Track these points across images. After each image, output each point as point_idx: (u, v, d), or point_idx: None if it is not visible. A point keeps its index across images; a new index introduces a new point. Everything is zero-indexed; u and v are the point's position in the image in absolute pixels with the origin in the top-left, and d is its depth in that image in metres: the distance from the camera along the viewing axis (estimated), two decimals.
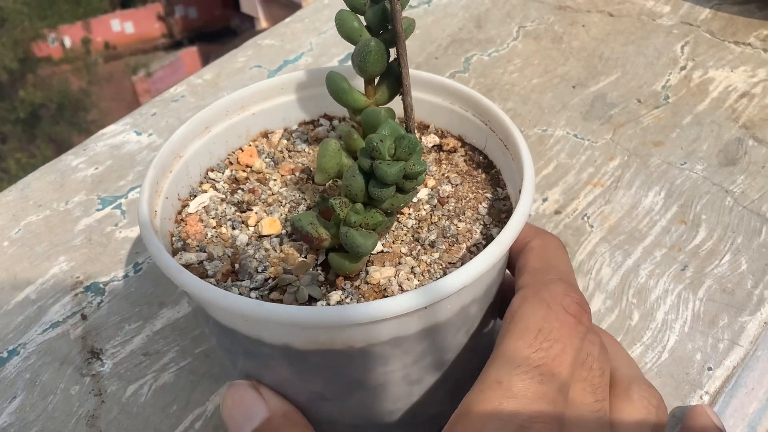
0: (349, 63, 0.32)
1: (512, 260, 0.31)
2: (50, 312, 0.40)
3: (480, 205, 0.32)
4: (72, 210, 0.46)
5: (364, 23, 0.30)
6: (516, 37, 0.60)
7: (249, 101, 0.35)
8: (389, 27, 0.30)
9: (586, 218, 0.44)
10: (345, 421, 0.30)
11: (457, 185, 0.33)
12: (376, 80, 0.32)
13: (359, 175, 0.26)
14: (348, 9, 0.30)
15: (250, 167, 0.34)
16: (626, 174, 0.47)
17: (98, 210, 0.46)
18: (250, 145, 0.35)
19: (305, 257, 0.29)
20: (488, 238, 0.30)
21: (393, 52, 0.30)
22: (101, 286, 0.41)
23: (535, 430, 0.23)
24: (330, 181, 0.32)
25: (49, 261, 0.43)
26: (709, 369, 0.37)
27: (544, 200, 0.46)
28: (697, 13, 0.62)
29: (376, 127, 0.30)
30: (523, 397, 0.23)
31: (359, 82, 0.32)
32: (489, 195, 0.32)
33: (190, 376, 0.37)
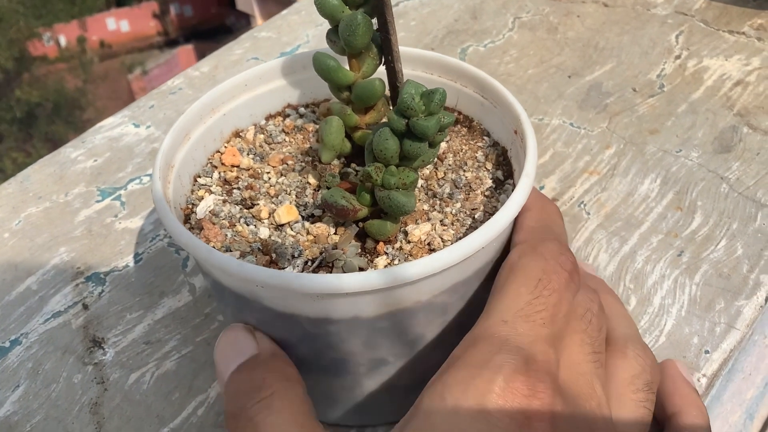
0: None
1: None
2: (51, 302, 0.40)
3: (477, 155, 0.33)
4: (72, 202, 0.46)
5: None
6: (511, 28, 0.60)
7: (218, 102, 0.35)
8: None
9: (582, 206, 0.45)
10: (401, 383, 0.30)
11: (448, 141, 0.34)
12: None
13: (393, 137, 0.27)
14: None
15: (237, 166, 0.34)
16: (622, 162, 0.47)
17: (98, 201, 0.46)
18: (226, 147, 0.35)
19: (335, 234, 0.29)
20: (497, 181, 0.32)
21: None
22: (102, 276, 0.42)
23: (540, 366, 0.24)
24: (334, 159, 0.33)
25: (49, 252, 0.43)
26: (706, 352, 0.37)
27: (541, 188, 0.46)
28: (692, 2, 0.62)
29: (371, 98, 0.31)
30: (527, 336, 0.25)
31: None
32: (480, 144, 0.34)
33: (191, 363, 0.37)
